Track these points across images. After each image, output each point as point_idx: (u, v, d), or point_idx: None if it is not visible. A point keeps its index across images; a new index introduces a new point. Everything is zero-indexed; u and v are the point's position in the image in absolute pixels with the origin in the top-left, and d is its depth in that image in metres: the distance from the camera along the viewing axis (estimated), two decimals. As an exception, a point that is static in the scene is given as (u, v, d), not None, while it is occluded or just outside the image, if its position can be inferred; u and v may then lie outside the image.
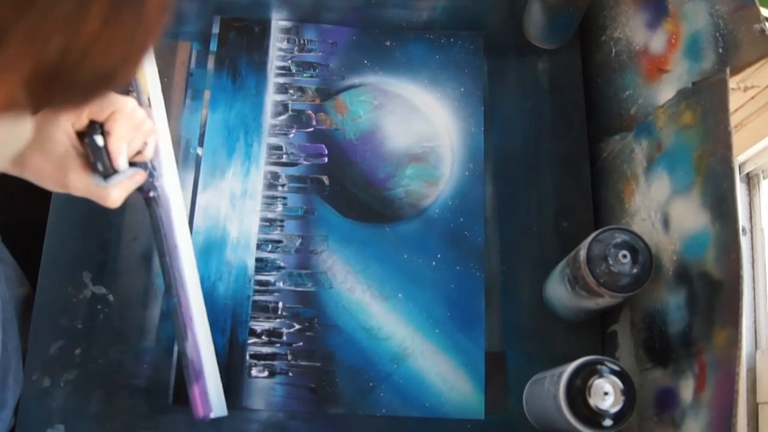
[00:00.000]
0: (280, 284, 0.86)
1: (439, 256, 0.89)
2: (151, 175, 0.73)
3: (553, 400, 0.71)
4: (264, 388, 0.83)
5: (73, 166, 0.63)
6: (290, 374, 0.83)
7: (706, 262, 0.67)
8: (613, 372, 0.69)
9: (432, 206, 0.91)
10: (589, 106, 0.97)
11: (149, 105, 0.78)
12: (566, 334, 0.86)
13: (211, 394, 0.75)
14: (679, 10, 0.76)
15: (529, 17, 0.97)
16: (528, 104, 0.97)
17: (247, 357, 0.84)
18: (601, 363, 0.69)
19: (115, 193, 0.64)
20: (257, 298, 0.86)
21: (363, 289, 0.87)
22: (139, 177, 0.69)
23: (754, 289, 0.78)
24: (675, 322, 0.72)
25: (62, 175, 0.63)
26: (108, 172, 0.63)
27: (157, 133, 0.75)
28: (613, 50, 0.91)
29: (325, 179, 0.91)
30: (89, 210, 0.87)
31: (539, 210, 0.92)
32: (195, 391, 0.74)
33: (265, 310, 0.85)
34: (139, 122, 0.66)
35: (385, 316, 0.86)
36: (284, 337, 0.85)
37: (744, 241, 0.78)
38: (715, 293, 0.65)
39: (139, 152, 0.69)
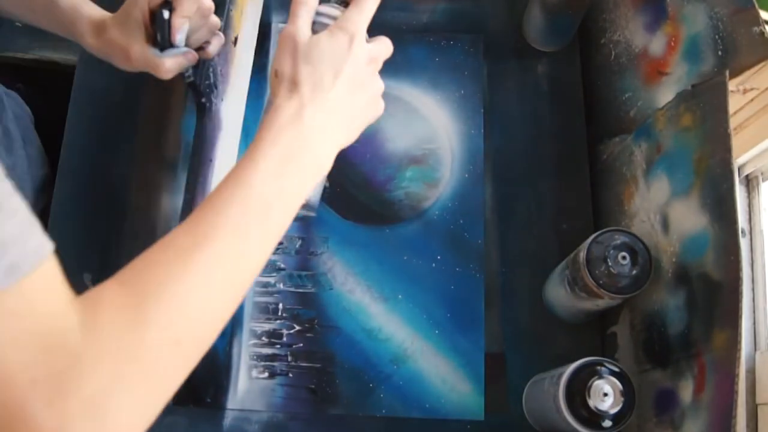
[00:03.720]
0: (281, 285, 0.87)
1: (438, 257, 0.89)
2: (210, 88, 0.80)
3: (553, 401, 0.71)
4: (264, 389, 0.83)
5: (138, 39, 0.73)
6: (290, 375, 0.83)
7: (705, 263, 0.67)
8: (612, 373, 0.69)
9: (432, 208, 0.91)
10: (588, 109, 0.97)
11: (234, 44, 0.85)
12: (566, 335, 0.87)
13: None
14: (679, 13, 0.76)
15: (528, 20, 0.98)
16: (527, 107, 0.97)
17: (248, 358, 0.84)
18: (601, 364, 0.69)
19: (167, 63, 0.73)
20: (258, 299, 0.86)
21: (363, 291, 0.87)
22: (191, 56, 0.76)
23: (753, 290, 0.79)
24: (674, 323, 0.72)
25: (128, 45, 0.73)
26: (165, 44, 0.71)
27: (232, 66, 0.85)
28: (613, 53, 0.91)
29: (326, 181, 0.92)
30: (90, 212, 0.88)
31: (539, 212, 0.92)
32: None
33: (266, 311, 0.86)
34: (206, 9, 0.74)
35: (385, 317, 0.86)
36: (284, 338, 0.85)
37: (743, 243, 0.78)
38: (715, 295, 0.65)
39: (201, 48, 0.77)
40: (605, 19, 0.94)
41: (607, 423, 0.68)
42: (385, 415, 0.83)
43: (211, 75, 0.80)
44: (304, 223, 0.89)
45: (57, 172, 0.88)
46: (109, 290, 0.48)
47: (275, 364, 0.84)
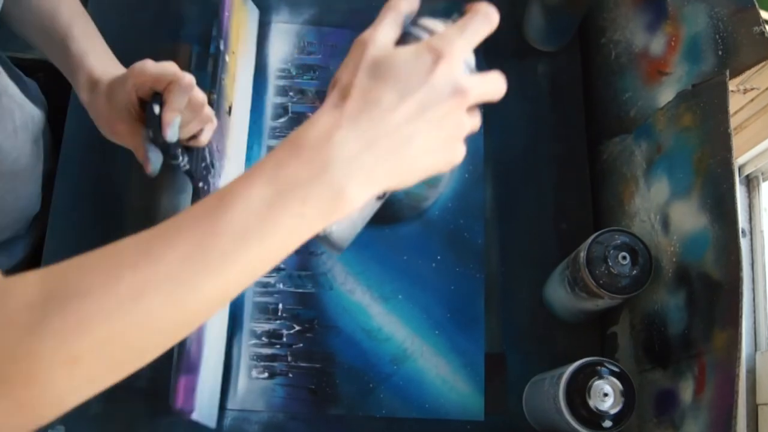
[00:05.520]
0: (280, 285, 0.87)
1: (438, 257, 0.89)
2: (206, 168, 0.75)
3: (553, 402, 0.71)
4: (264, 389, 0.83)
5: (124, 117, 0.69)
6: (290, 375, 0.83)
7: (705, 263, 0.67)
8: (612, 373, 0.69)
9: (432, 208, 0.91)
10: (588, 109, 0.97)
11: (228, 113, 0.81)
12: (566, 335, 0.86)
13: (199, 395, 0.73)
14: (679, 13, 0.76)
15: (528, 20, 0.98)
16: (528, 106, 0.97)
17: (248, 358, 0.84)
18: (601, 364, 0.69)
19: (154, 163, 0.69)
20: (257, 299, 0.86)
21: (363, 291, 0.87)
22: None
23: (753, 290, 0.78)
24: (674, 323, 0.72)
25: (114, 122, 0.70)
26: (157, 138, 0.66)
27: (228, 139, 0.80)
28: (613, 53, 0.91)
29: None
30: (90, 212, 0.88)
31: (539, 212, 0.92)
32: (180, 382, 0.71)
33: (266, 311, 0.85)
34: (198, 104, 0.69)
35: (385, 317, 0.86)
36: (284, 339, 0.85)
37: (743, 243, 0.78)
38: (715, 295, 0.65)
39: (194, 136, 0.72)
40: (605, 18, 0.93)
41: (608, 423, 0.68)
42: (385, 415, 0.83)
43: (207, 155, 0.75)
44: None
45: (57, 170, 0.88)
46: (26, 282, 0.42)
47: (275, 364, 0.84)
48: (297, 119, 0.94)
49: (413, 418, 0.83)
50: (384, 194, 0.53)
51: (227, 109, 0.82)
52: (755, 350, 0.76)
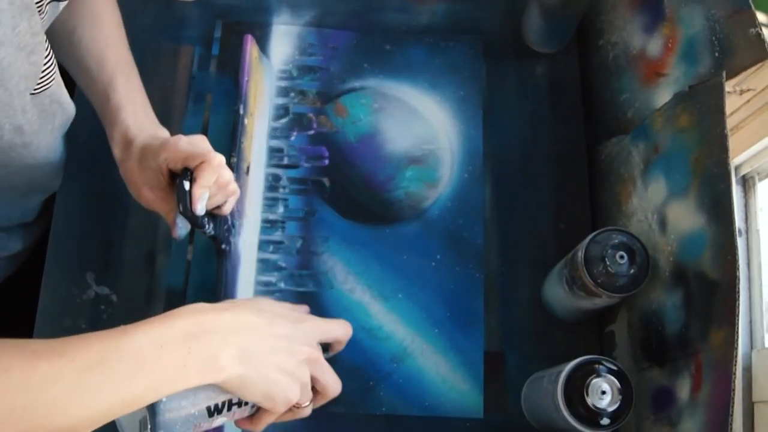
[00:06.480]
0: (282, 285, 0.87)
1: (438, 257, 0.89)
2: (228, 230, 0.79)
3: (551, 399, 0.71)
4: (265, 387, 0.83)
5: (153, 186, 0.72)
6: (291, 374, 0.84)
7: (702, 263, 0.67)
8: (610, 371, 0.69)
9: (431, 208, 0.92)
10: (586, 110, 0.97)
11: (246, 173, 0.84)
12: (564, 334, 0.87)
13: None
14: (676, 15, 0.76)
15: (527, 21, 0.98)
16: (526, 107, 0.97)
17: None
18: (599, 362, 0.69)
19: (181, 230, 0.73)
20: (259, 298, 0.86)
21: (363, 290, 0.87)
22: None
23: (749, 289, 0.79)
24: (672, 322, 0.72)
25: (142, 187, 0.72)
26: (187, 212, 0.69)
27: (246, 198, 0.84)
28: (611, 54, 0.91)
29: (326, 181, 0.92)
30: (93, 211, 0.88)
31: (537, 212, 0.92)
32: None
33: (267, 310, 0.86)
34: (225, 182, 0.72)
35: (385, 316, 0.87)
36: (285, 337, 0.85)
37: (740, 242, 0.79)
38: (712, 294, 0.65)
39: (218, 207, 0.76)
40: (603, 20, 0.94)
41: (605, 421, 0.68)
42: (385, 413, 0.83)
43: (229, 218, 0.79)
44: (304, 222, 0.90)
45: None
46: None
47: (276, 362, 0.84)
48: (298, 120, 0.95)
49: (413, 416, 0.83)
50: (216, 408, 0.62)
51: (245, 169, 0.84)
52: (751, 348, 0.77)
